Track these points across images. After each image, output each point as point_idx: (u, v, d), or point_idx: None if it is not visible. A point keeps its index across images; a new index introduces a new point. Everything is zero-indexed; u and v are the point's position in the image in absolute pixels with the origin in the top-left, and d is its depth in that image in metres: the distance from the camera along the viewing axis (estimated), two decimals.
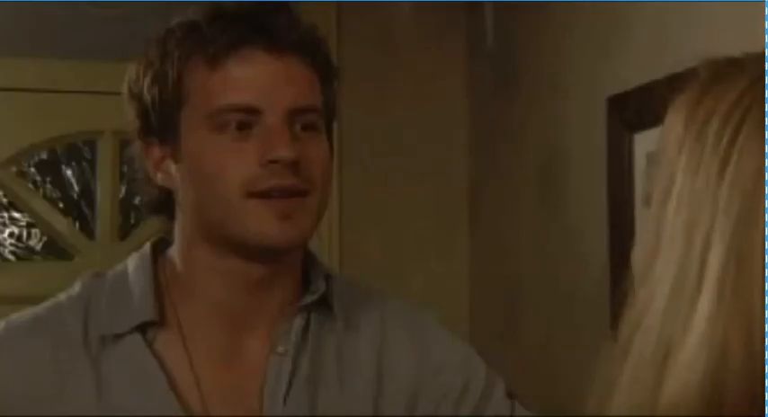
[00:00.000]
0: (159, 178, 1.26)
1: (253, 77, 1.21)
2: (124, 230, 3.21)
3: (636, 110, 2.08)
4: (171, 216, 1.28)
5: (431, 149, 3.02)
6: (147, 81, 1.24)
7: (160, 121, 1.24)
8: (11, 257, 4.66)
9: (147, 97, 1.24)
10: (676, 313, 0.63)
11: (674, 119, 0.68)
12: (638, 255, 0.70)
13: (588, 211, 2.35)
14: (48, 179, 4.85)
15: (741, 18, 1.79)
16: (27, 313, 1.27)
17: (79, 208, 4.77)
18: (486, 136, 2.92)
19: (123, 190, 3.19)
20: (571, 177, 2.46)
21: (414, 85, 3.02)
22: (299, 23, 1.24)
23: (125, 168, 2.69)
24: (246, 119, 1.20)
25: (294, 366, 1.25)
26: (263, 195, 1.19)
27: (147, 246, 1.30)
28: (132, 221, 4.34)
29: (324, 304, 1.29)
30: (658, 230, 0.67)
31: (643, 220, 0.70)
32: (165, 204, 1.28)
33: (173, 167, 1.24)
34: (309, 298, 1.27)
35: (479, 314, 2.91)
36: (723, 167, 0.64)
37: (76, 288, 1.28)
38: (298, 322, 1.26)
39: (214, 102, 1.20)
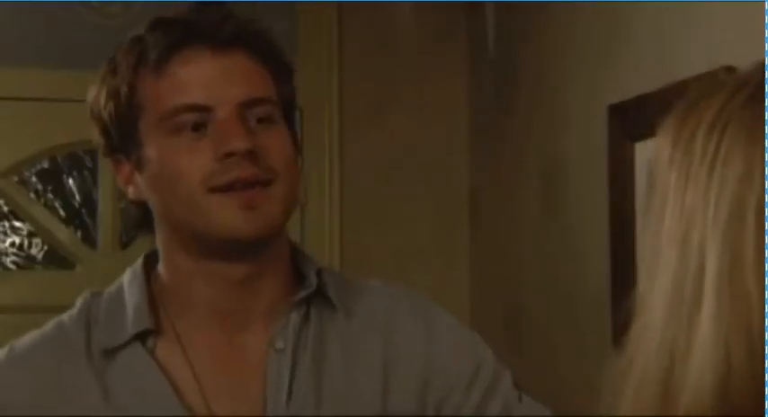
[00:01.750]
0: (131, 192, 1.27)
1: (198, 76, 1.22)
2: (125, 239, 3.21)
3: (637, 118, 2.07)
4: (153, 230, 1.29)
5: (431, 151, 3.01)
6: (102, 99, 1.26)
7: (120, 136, 1.25)
8: (12, 266, 4.65)
9: (104, 114, 1.26)
10: (677, 329, 0.64)
11: (663, 141, 0.68)
12: (641, 277, 0.70)
13: (589, 219, 2.34)
14: (49, 188, 4.84)
15: (741, 18, 1.78)
16: (33, 334, 1.30)
17: (80, 218, 4.75)
18: (487, 140, 2.92)
19: None
20: (572, 184, 2.46)
21: (414, 86, 3.01)
22: (237, 20, 1.25)
23: None
24: (200, 119, 1.21)
25: (294, 361, 1.25)
26: (225, 189, 1.20)
27: (140, 260, 1.31)
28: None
29: (321, 296, 1.29)
30: (657, 250, 0.67)
31: (644, 230, 0.71)
32: (145, 219, 1.29)
33: (140, 178, 1.26)
34: (304, 292, 1.27)
35: (480, 316, 2.90)
36: (710, 177, 0.64)
37: (77, 306, 1.30)
38: (294, 316, 1.27)
39: (165, 106, 1.22)
